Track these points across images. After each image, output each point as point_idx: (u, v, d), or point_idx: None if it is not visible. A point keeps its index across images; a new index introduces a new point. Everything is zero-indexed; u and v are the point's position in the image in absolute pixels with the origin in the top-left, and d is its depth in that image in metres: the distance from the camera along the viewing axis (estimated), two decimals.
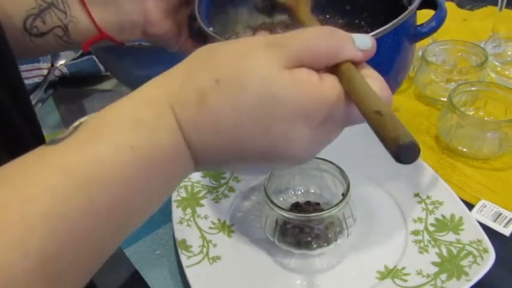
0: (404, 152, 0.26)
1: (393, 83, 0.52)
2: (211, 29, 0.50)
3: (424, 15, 0.51)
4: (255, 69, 0.30)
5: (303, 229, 0.49)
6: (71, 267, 0.27)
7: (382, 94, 0.31)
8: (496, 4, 0.78)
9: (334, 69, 0.32)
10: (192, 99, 0.30)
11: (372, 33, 0.44)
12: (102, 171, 0.27)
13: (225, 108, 0.29)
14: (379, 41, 0.45)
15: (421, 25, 0.50)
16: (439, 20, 0.50)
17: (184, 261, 0.49)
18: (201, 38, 0.57)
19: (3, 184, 0.26)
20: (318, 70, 0.31)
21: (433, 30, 0.50)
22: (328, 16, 0.63)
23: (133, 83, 0.73)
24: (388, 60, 0.49)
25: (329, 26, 0.33)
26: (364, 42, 0.33)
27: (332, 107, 0.31)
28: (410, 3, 0.48)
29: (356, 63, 0.32)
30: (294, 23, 0.49)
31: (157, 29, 0.54)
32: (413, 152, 0.26)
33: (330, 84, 0.31)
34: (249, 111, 0.29)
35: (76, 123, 0.30)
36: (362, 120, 0.30)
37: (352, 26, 0.61)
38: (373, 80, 0.31)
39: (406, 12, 0.46)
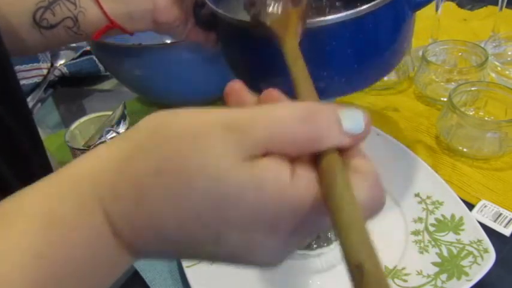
0: None
1: (397, 55, 0.52)
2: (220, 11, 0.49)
3: None
4: (205, 161, 0.23)
5: None
6: None
7: (373, 196, 0.25)
8: (496, 4, 0.78)
9: (314, 158, 0.25)
10: (129, 195, 0.24)
11: (373, 2, 0.43)
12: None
13: (167, 207, 0.24)
14: (381, 10, 0.44)
15: None
16: None
17: (184, 261, 0.49)
18: (206, 26, 0.57)
19: None
20: (292, 158, 0.24)
21: None
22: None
23: (133, 83, 0.73)
24: (392, 31, 0.47)
25: (309, 104, 0.25)
26: (354, 124, 0.25)
27: (303, 216, 0.24)
28: None
29: (343, 150, 0.25)
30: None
31: (166, 16, 0.54)
32: None
33: (304, 187, 0.24)
34: (195, 212, 0.24)
35: None
36: None
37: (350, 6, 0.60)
38: (362, 178, 0.24)
39: None
